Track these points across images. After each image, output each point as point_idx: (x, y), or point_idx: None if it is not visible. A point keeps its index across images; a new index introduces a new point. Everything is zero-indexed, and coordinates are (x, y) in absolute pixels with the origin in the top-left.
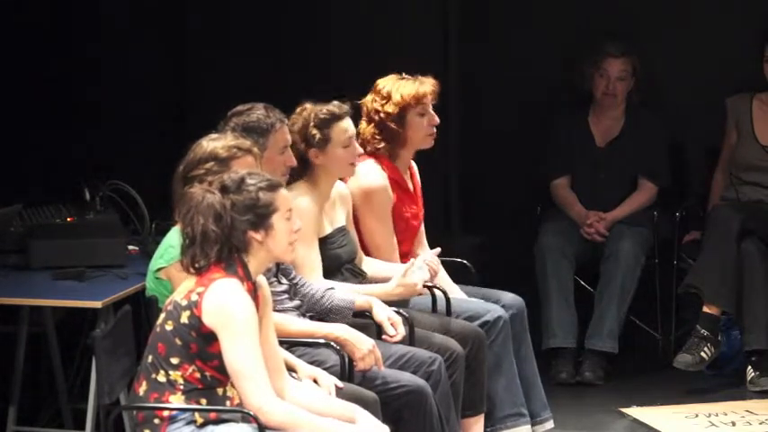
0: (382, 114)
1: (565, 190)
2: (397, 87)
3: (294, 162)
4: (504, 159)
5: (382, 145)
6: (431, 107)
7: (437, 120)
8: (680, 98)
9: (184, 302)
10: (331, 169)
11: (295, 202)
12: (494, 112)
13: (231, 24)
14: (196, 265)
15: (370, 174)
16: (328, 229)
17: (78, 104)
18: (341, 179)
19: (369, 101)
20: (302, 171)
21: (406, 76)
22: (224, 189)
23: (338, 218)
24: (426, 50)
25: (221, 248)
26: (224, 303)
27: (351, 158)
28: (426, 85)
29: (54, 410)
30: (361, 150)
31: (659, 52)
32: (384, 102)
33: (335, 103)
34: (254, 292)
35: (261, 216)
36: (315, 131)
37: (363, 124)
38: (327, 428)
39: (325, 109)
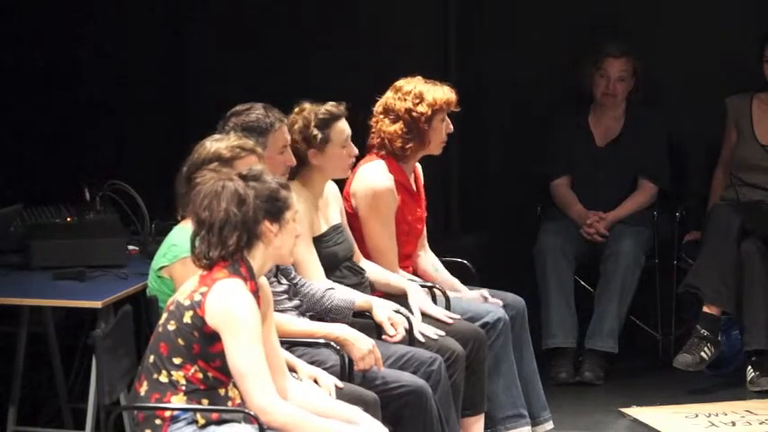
0: (414, 114)
1: (565, 190)
2: (428, 89)
3: (294, 162)
4: (504, 159)
5: (410, 144)
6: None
7: (452, 128)
8: (680, 98)
9: (187, 302)
10: (326, 169)
11: None
12: (494, 112)
13: (231, 24)
14: (209, 255)
15: (378, 175)
16: (324, 227)
17: (78, 104)
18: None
19: (394, 99)
20: (296, 170)
21: (428, 80)
22: (244, 178)
23: (332, 215)
24: (427, 50)
25: (240, 236)
26: (227, 303)
27: (348, 159)
28: (452, 94)
29: (54, 410)
30: (356, 151)
31: (659, 52)
32: (417, 101)
33: (332, 103)
34: (255, 292)
35: (278, 208)
36: (315, 131)
37: (386, 122)
38: (329, 430)
39: (323, 109)
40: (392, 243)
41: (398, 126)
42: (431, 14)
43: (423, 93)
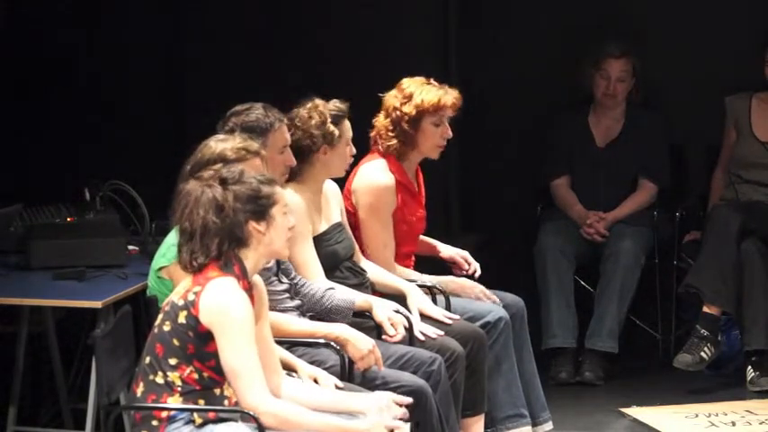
0: (399, 112)
1: (565, 190)
2: (420, 91)
3: (293, 162)
4: (504, 159)
5: (393, 142)
6: (447, 119)
7: (450, 134)
8: (680, 98)
9: (181, 302)
10: (331, 167)
11: (289, 200)
12: (494, 112)
13: (231, 24)
14: (195, 262)
15: (379, 173)
16: (324, 226)
17: (78, 104)
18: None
19: (390, 96)
20: (296, 169)
21: (434, 82)
22: (223, 181)
23: (333, 214)
24: (426, 50)
25: (221, 241)
26: (221, 302)
27: (349, 158)
28: (449, 97)
29: (54, 410)
30: (354, 151)
31: (659, 52)
32: (405, 101)
33: (336, 100)
34: (249, 291)
35: (262, 207)
36: (332, 128)
37: (381, 117)
38: (324, 424)
39: (332, 106)
40: (389, 241)
41: (386, 122)
42: (431, 15)
43: (413, 93)
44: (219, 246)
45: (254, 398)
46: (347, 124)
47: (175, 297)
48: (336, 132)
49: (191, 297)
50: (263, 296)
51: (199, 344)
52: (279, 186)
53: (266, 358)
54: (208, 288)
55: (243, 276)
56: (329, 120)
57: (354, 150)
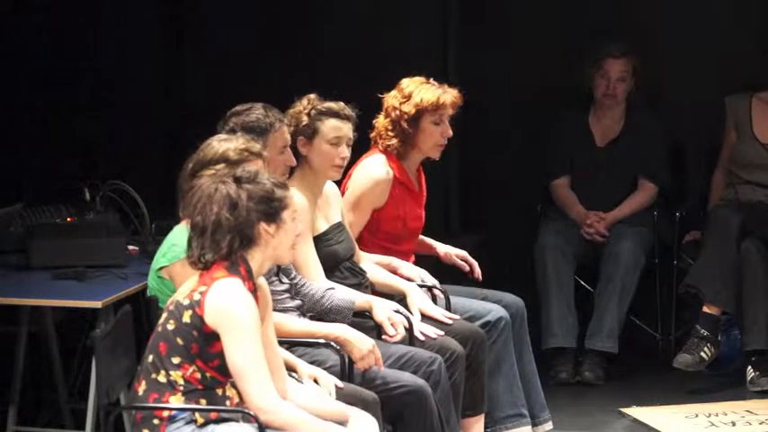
0: (398, 112)
1: (565, 190)
2: (419, 90)
3: (294, 162)
4: (504, 159)
5: (393, 141)
6: (447, 118)
7: (450, 132)
8: (680, 98)
9: (186, 302)
10: (314, 164)
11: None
12: (494, 112)
13: (231, 25)
14: (204, 258)
15: (377, 165)
16: (324, 227)
17: (78, 104)
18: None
19: (390, 96)
20: (295, 166)
21: (433, 81)
22: (238, 180)
23: (333, 214)
24: (426, 49)
25: (232, 239)
26: (227, 303)
27: (334, 158)
28: (448, 96)
29: (54, 410)
30: (347, 155)
31: (659, 52)
32: (404, 100)
33: (341, 103)
34: (254, 292)
35: (274, 209)
36: (305, 118)
37: (381, 118)
38: (327, 429)
39: (326, 103)
40: (354, 230)
41: (386, 122)
42: (431, 14)
43: (412, 92)
44: (230, 244)
45: (260, 399)
46: (334, 123)
47: (180, 296)
48: (307, 122)
49: (196, 297)
50: (267, 298)
51: (203, 344)
52: (289, 191)
53: (270, 361)
54: (213, 288)
55: (248, 278)
56: (305, 111)
57: (346, 154)
